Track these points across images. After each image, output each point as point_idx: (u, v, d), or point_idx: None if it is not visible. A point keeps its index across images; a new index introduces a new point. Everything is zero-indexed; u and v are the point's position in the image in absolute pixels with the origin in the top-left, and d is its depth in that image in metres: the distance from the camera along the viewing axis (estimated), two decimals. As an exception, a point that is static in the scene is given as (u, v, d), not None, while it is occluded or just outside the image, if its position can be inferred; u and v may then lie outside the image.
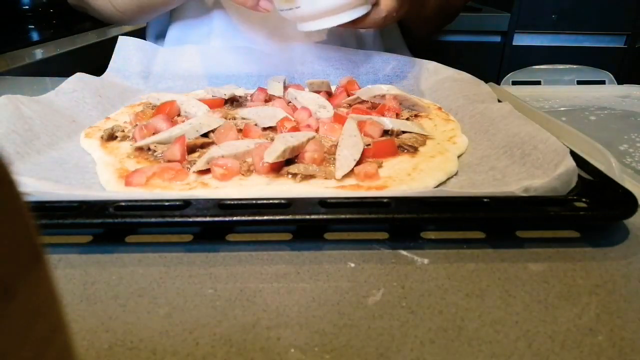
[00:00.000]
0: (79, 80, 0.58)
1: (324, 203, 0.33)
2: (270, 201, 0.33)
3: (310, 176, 0.40)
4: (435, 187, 0.39)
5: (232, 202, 0.33)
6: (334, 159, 0.42)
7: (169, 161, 0.43)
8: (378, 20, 0.59)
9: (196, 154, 0.46)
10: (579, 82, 1.03)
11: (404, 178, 0.40)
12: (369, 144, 0.45)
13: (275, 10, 0.59)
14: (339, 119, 0.51)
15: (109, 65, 0.68)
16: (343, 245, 0.32)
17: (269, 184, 0.40)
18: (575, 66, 1.05)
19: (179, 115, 0.56)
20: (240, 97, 0.62)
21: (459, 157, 0.45)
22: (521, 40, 1.69)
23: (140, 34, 0.88)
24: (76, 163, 0.44)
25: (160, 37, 0.83)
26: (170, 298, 0.27)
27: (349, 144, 0.43)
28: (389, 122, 0.49)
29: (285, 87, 0.64)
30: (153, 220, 0.32)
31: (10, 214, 0.10)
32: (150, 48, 0.71)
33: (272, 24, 0.74)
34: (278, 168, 0.41)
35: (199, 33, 0.78)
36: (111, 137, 0.49)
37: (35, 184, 0.36)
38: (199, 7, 0.77)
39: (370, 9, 0.59)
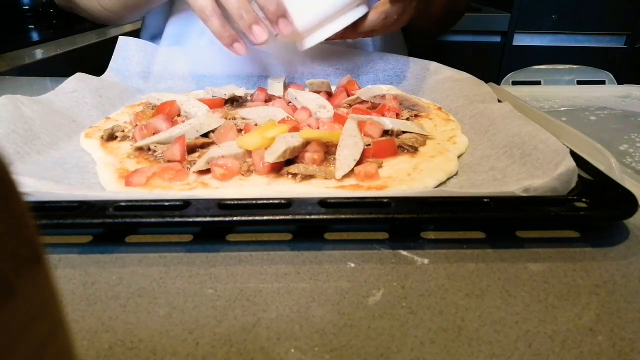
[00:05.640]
0: (79, 80, 0.58)
1: (324, 203, 0.33)
2: (270, 201, 0.33)
3: (310, 176, 0.40)
4: (435, 187, 0.39)
5: (232, 202, 0.33)
6: (334, 159, 0.42)
7: (169, 161, 0.43)
8: (378, 22, 0.59)
9: (196, 154, 0.46)
10: (579, 82, 1.03)
11: (404, 178, 0.40)
12: (369, 144, 0.45)
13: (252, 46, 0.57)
14: (339, 119, 0.51)
15: (109, 65, 0.68)
16: (343, 245, 0.32)
17: (269, 184, 0.40)
18: (575, 66, 1.05)
19: (179, 115, 0.56)
20: (240, 97, 0.63)
21: (459, 157, 0.45)
22: (521, 40, 1.69)
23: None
24: (76, 163, 0.44)
25: (155, 38, 0.83)
26: (170, 298, 0.27)
27: (349, 144, 0.43)
28: (389, 122, 0.49)
29: (285, 87, 0.64)
30: (153, 220, 0.32)
31: (10, 213, 0.10)
32: (150, 48, 0.71)
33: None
34: (278, 168, 0.41)
35: (196, 29, 0.78)
36: (111, 137, 0.49)
37: (35, 184, 0.36)
38: None
39: (368, 11, 0.58)
